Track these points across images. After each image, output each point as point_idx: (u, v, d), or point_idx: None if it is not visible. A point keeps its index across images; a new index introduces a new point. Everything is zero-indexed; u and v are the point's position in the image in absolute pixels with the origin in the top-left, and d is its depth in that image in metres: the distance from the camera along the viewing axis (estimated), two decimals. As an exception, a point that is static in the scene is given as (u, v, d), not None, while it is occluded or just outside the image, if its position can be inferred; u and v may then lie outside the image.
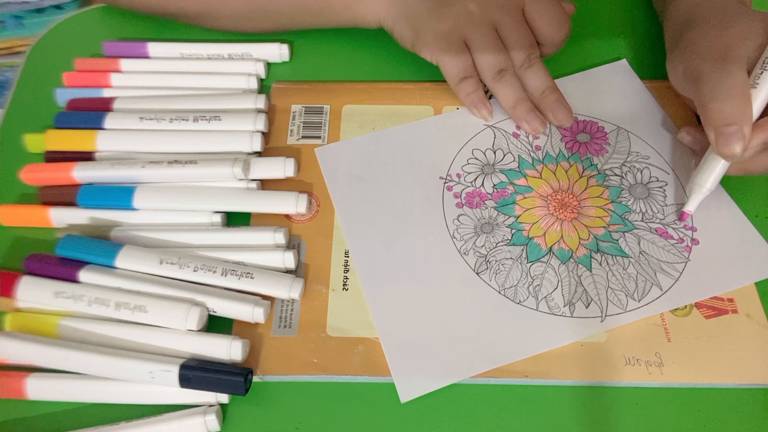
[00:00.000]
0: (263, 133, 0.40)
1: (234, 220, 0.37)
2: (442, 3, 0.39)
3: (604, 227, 0.36)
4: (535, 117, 0.39)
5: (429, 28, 0.39)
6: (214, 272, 0.33)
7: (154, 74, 0.43)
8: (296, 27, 0.45)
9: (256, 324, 0.33)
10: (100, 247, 0.34)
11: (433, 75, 0.41)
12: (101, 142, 0.39)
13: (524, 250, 0.35)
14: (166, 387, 0.31)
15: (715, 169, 0.34)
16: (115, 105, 0.41)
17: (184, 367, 0.30)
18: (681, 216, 0.36)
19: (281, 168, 0.37)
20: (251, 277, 0.33)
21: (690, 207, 0.35)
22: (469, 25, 0.39)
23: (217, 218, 0.36)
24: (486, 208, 0.37)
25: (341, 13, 0.42)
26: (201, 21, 0.45)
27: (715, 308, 0.33)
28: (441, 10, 0.39)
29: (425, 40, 0.39)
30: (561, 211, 0.37)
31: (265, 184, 0.38)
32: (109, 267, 0.34)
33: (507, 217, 0.37)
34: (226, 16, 0.44)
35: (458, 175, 0.38)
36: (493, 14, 0.39)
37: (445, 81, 0.40)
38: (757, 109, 0.32)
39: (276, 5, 0.43)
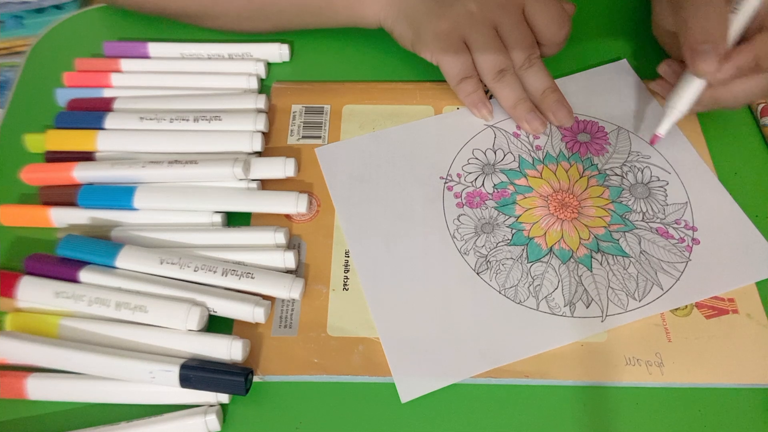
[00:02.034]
0: (263, 133, 0.40)
1: (234, 220, 0.37)
2: (442, 3, 0.39)
3: (605, 227, 0.36)
4: (536, 117, 0.39)
5: (429, 28, 0.39)
6: (215, 272, 0.33)
7: (154, 74, 0.43)
8: (296, 27, 0.45)
9: (257, 324, 0.33)
10: (100, 247, 0.34)
11: (433, 75, 0.41)
12: (101, 142, 0.39)
13: (525, 250, 0.35)
14: (166, 387, 0.31)
15: (688, 90, 0.35)
16: (116, 105, 0.41)
17: (184, 367, 0.30)
18: (651, 139, 0.37)
19: (281, 168, 0.37)
20: (251, 277, 0.33)
21: (661, 130, 0.37)
22: (469, 25, 0.38)
23: (218, 218, 0.36)
24: (486, 208, 0.37)
25: (341, 13, 0.42)
26: (201, 21, 0.45)
27: (716, 308, 0.33)
28: (441, 10, 0.39)
29: (425, 40, 0.39)
30: (561, 211, 0.37)
31: (265, 184, 0.38)
32: (109, 267, 0.34)
33: (507, 217, 0.37)
34: (226, 15, 0.44)
35: (458, 175, 0.38)
36: (493, 14, 0.39)
37: (445, 81, 0.40)
38: (734, 33, 0.33)
39: (276, 5, 0.43)
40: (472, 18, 0.39)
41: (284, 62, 0.45)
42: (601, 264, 0.35)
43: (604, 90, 0.42)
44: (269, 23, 0.44)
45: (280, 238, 0.35)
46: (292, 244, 0.36)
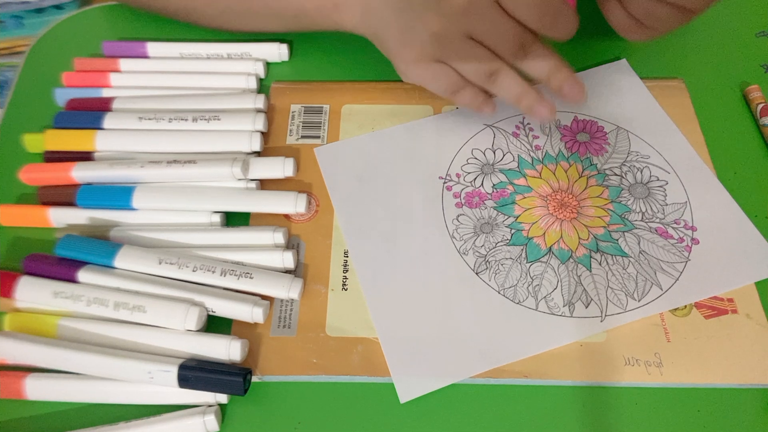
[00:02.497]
0: (262, 132, 0.40)
1: (233, 220, 0.37)
2: (404, 28, 0.36)
3: (604, 227, 0.36)
4: (542, 106, 0.36)
5: (399, 58, 0.37)
6: (213, 272, 0.33)
7: (153, 74, 0.43)
8: (279, 30, 0.44)
9: (255, 324, 0.33)
10: (99, 247, 0.34)
11: (432, 75, 0.41)
12: (100, 142, 0.39)
13: (524, 250, 0.35)
14: (164, 387, 0.31)
15: None
16: (115, 105, 0.41)
17: (182, 368, 0.30)
18: None
19: (280, 168, 0.37)
20: (250, 277, 0.33)
21: None
22: (438, 47, 0.35)
23: (217, 218, 0.36)
24: (485, 208, 0.37)
25: (318, 21, 0.41)
26: (187, 19, 0.45)
27: (715, 308, 0.33)
28: (405, 37, 0.36)
29: (400, 68, 0.37)
30: (560, 211, 0.37)
31: (264, 184, 0.38)
32: (108, 267, 0.34)
33: (506, 217, 0.37)
34: (210, 16, 0.43)
35: (458, 175, 0.38)
36: (459, 26, 0.34)
37: (444, 81, 0.40)
38: None
39: (253, 9, 0.42)
40: (439, 39, 0.35)
41: (283, 62, 0.45)
42: (600, 264, 0.35)
43: (604, 90, 0.42)
44: (252, 25, 0.43)
45: (279, 238, 0.35)
46: (291, 244, 0.36)
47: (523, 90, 0.36)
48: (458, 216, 0.37)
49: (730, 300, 0.34)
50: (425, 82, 0.37)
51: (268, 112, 0.41)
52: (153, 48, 0.44)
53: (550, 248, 0.35)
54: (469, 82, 0.37)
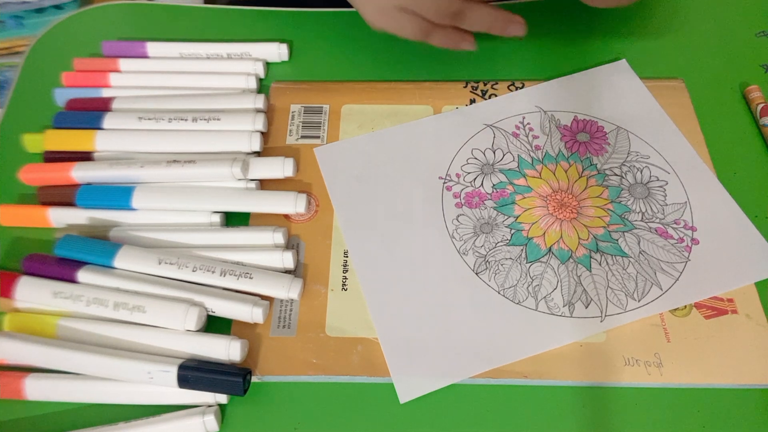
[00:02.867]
0: (262, 132, 0.40)
1: (233, 220, 0.37)
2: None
3: (604, 227, 0.36)
4: (514, 25, 0.38)
5: (362, 9, 0.37)
6: (213, 272, 0.33)
7: (153, 74, 0.43)
8: None
9: (255, 324, 0.33)
10: (98, 247, 0.34)
11: (432, 75, 0.41)
12: (100, 142, 0.39)
13: (523, 250, 0.35)
14: (164, 387, 0.31)
15: None
16: (114, 105, 0.41)
17: (182, 368, 0.30)
18: None
19: (280, 168, 0.37)
20: (250, 277, 0.33)
21: None
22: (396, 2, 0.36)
23: (216, 218, 0.36)
24: (485, 208, 0.37)
25: None
26: None
27: (715, 308, 0.33)
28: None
29: (366, 18, 0.38)
30: (560, 211, 0.37)
31: (264, 184, 0.38)
32: (107, 267, 0.34)
33: (506, 217, 0.37)
34: None
35: (457, 175, 0.38)
36: None
37: (444, 81, 0.40)
38: None
39: None
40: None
41: (283, 62, 0.45)
42: (600, 264, 0.35)
43: (604, 90, 0.42)
44: None
45: (278, 238, 0.35)
46: (291, 244, 0.36)
47: (492, 17, 0.37)
48: (458, 216, 0.37)
49: (730, 300, 0.34)
50: (392, 31, 0.37)
51: (268, 112, 0.41)
52: (153, 48, 0.44)
53: (550, 248, 0.35)
54: (439, 24, 0.37)
